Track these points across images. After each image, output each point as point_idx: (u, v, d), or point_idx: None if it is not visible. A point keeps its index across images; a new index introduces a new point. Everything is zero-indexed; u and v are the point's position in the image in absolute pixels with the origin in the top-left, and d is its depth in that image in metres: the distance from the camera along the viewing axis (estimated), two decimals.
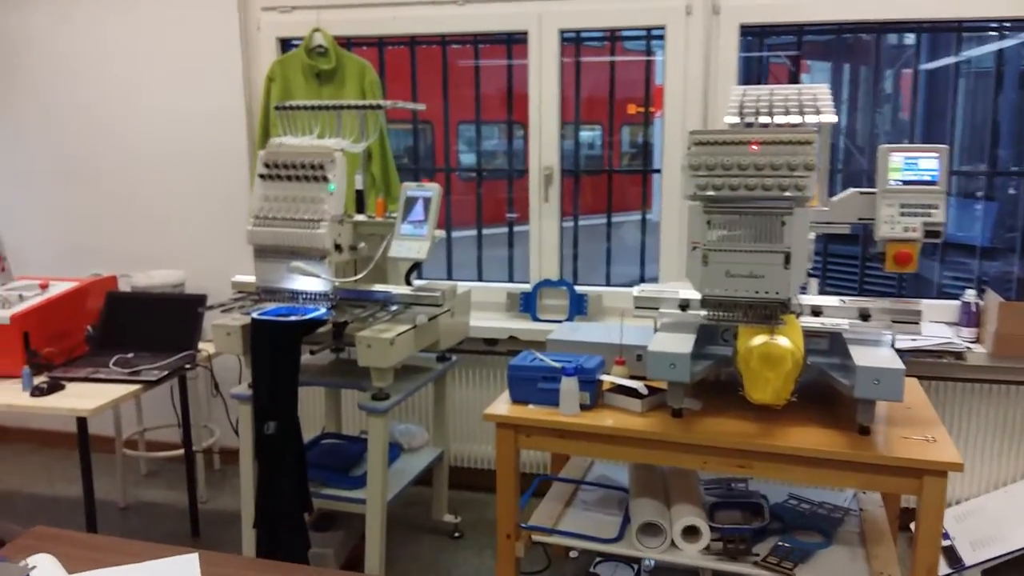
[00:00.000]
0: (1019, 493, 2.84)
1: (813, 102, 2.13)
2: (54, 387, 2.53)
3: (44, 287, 2.86)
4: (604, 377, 2.28)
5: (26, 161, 3.76)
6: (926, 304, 2.50)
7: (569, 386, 2.18)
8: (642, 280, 3.66)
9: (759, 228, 1.97)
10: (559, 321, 3.27)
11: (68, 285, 2.87)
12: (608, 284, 3.51)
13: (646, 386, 2.23)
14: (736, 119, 2.09)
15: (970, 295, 2.95)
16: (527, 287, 3.37)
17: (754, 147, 1.96)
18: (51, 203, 3.76)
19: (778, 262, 1.97)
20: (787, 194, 1.94)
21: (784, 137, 1.96)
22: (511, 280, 3.60)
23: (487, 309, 3.41)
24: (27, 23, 3.63)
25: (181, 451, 3.24)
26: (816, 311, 2.22)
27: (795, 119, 2.06)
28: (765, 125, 2.06)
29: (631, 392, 2.24)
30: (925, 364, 2.89)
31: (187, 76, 3.50)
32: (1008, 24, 3.00)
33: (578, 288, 3.31)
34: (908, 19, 2.92)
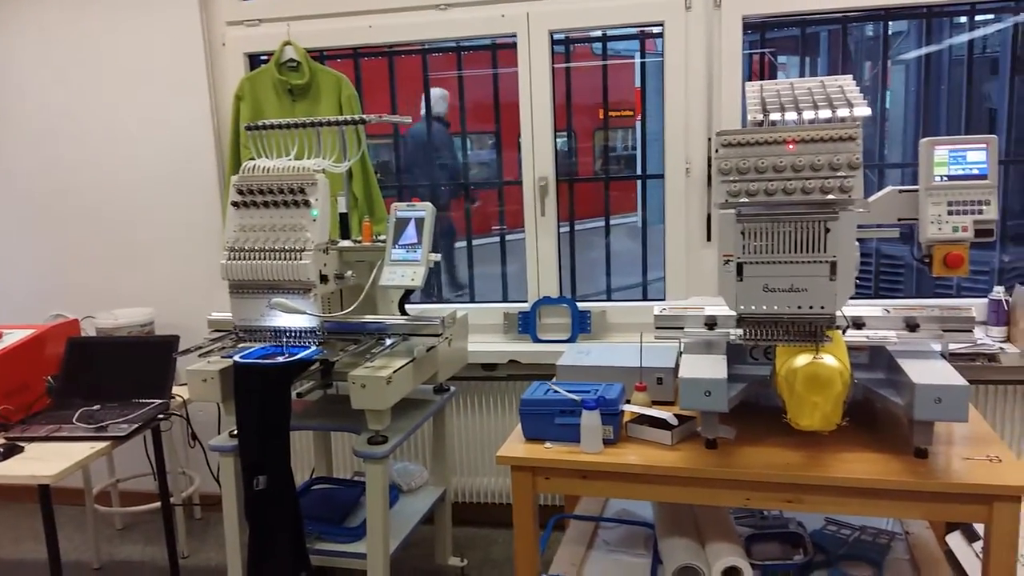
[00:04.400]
0: None
1: (841, 94, 1.93)
2: (11, 450, 2.26)
3: None
4: (627, 407, 2.06)
5: None
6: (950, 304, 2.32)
7: (591, 421, 1.95)
8: (644, 293, 3.46)
9: (800, 236, 1.77)
10: (561, 341, 3.06)
11: (24, 333, 2.61)
12: (609, 298, 3.30)
13: (673, 415, 2.02)
14: (759, 116, 1.89)
15: (998, 292, 2.77)
16: (525, 306, 3.14)
17: (791, 146, 1.76)
18: (8, 244, 3.47)
19: (823, 273, 1.77)
20: (830, 197, 1.74)
21: (823, 134, 1.76)
22: (505, 299, 3.37)
23: (483, 332, 3.18)
24: None
25: (158, 504, 2.97)
26: (858, 323, 2.02)
27: (825, 113, 1.87)
28: (791, 122, 1.87)
29: (657, 422, 2.02)
30: (957, 368, 2.70)
31: (148, 98, 3.24)
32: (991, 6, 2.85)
33: (580, 305, 3.09)
34: (914, 3, 2.75)
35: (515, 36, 2.97)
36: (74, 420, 2.44)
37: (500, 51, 3.13)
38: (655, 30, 2.96)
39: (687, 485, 1.91)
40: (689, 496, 1.94)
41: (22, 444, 2.31)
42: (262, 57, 3.20)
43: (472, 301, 3.36)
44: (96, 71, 3.27)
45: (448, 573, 2.87)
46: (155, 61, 3.21)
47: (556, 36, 2.98)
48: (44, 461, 2.21)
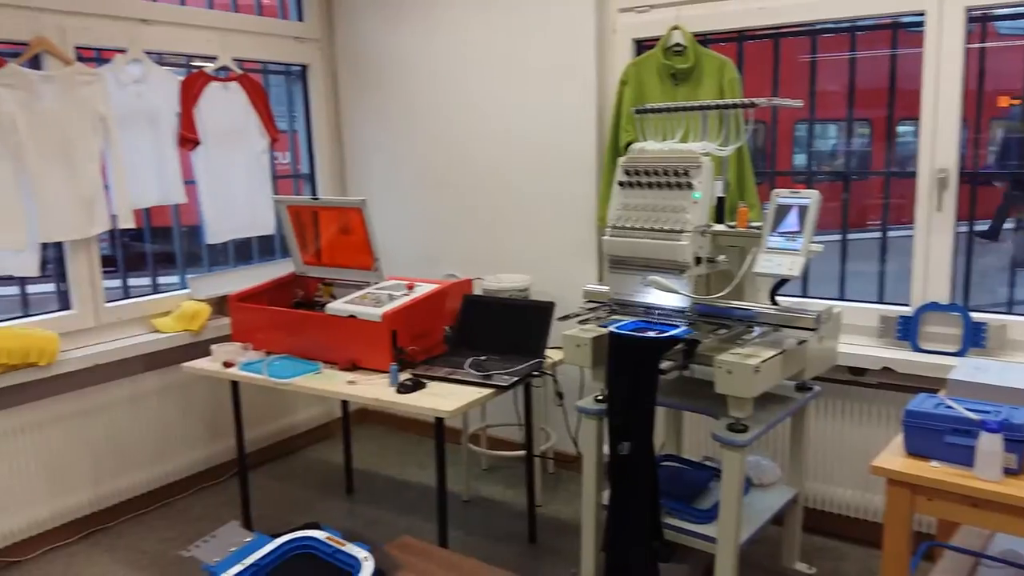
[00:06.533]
0: None
1: None
2: (417, 385, 2.64)
3: (410, 288, 3.03)
4: None
5: (397, 169, 4.08)
6: None
7: (992, 445, 1.75)
8: None
9: None
10: (947, 353, 2.76)
11: (431, 287, 3.01)
12: (1010, 311, 2.89)
13: None
14: None
15: None
16: (907, 310, 2.88)
17: None
18: (415, 208, 4.04)
19: None
20: None
21: None
22: (881, 300, 3.12)
23: (854, 333, 2.98)
24: (400, 41, 3.92)
25: (521, 452, 3.27)
26: None
27: None
28: None
29: None
30: None
31: (542, 83, 3.53)
32: None
33: (973, 315, 2.75)
34: None
35: (922, 14, 2.71)
36: (466, 367, 2.78)
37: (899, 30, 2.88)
38: None
39: None
40: None
41: (425, 381, 2.69)
42: (647, 43, 3.30)
43: (841, 298, 3.16)
44: (495, 56, 3.63)
45: None
46: (550, 47, 3.47)
47: (972, 13, 2.66)
48: (442, 398, 2.55)
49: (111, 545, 3.20)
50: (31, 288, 3.26)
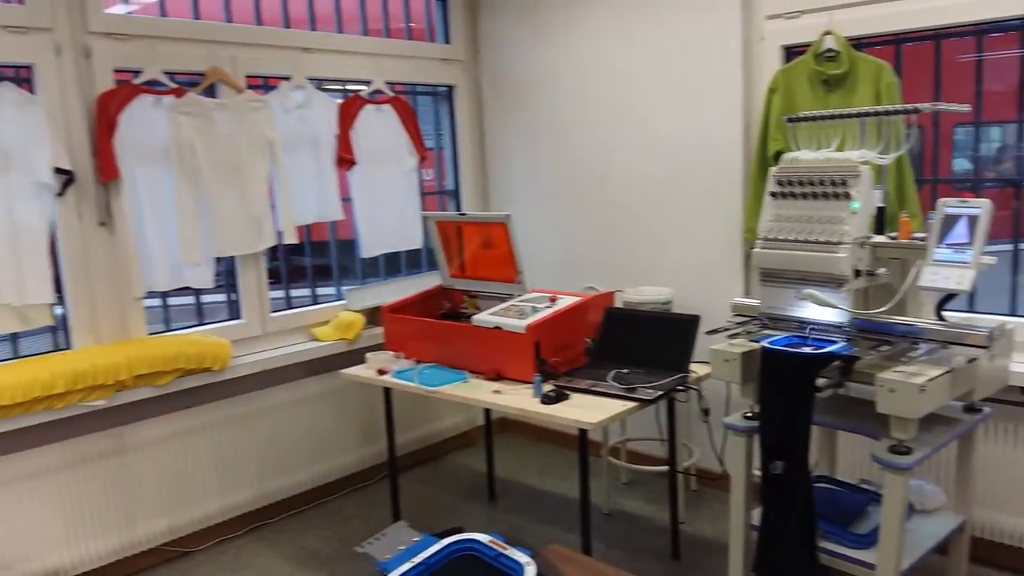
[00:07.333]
0: None
1: None
2: (560, 396, 2.67)
3: (553, 300, 3.07)
4: None
5: (538, 184, 4.16)
6: None
7: None
8: None
9: None
10: None
11: (573, 299, 3.04)
12: None
13: None
14: None
15: None
16: None
17: None
18: (555, 221, 4.10)
19: None
20: None
21: None
22: None
23: None
24: (542, 59, 3.99)
25: (663, 468, 3.24)
26: None
27: None
28: None
29: None
30: None
31: (687, 93, 3.50)
32: None
33: None
34: None
35: None
36: (608, 379, 2.78)
37: None
38: None
39: None
40: None
41: (568, 392, 2.72)
42: (796, 49, 3.21)
43: (1011, 313, 2.94)
44: (638, 68, 3.63)
45: None
46: (694, 57, 3.44)
47: None
48: (585, 410, 2.57)
49: (272, 540, 3.42)
50: (204, 298, 3.55)
